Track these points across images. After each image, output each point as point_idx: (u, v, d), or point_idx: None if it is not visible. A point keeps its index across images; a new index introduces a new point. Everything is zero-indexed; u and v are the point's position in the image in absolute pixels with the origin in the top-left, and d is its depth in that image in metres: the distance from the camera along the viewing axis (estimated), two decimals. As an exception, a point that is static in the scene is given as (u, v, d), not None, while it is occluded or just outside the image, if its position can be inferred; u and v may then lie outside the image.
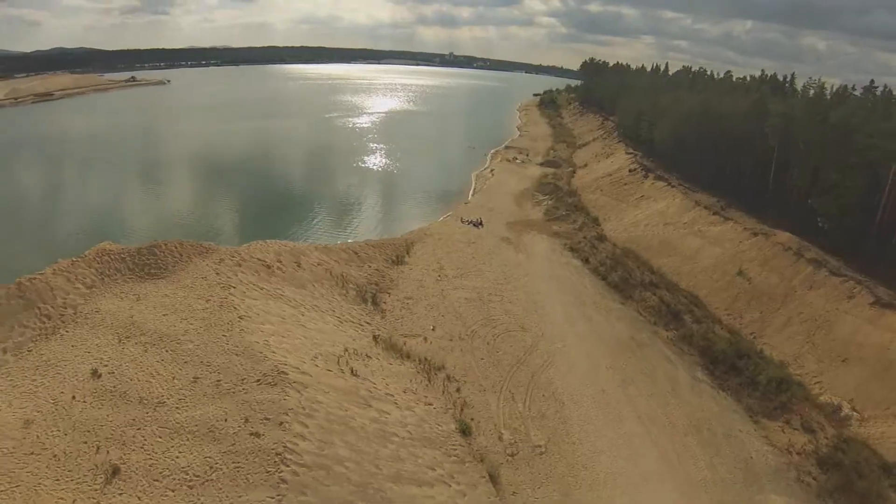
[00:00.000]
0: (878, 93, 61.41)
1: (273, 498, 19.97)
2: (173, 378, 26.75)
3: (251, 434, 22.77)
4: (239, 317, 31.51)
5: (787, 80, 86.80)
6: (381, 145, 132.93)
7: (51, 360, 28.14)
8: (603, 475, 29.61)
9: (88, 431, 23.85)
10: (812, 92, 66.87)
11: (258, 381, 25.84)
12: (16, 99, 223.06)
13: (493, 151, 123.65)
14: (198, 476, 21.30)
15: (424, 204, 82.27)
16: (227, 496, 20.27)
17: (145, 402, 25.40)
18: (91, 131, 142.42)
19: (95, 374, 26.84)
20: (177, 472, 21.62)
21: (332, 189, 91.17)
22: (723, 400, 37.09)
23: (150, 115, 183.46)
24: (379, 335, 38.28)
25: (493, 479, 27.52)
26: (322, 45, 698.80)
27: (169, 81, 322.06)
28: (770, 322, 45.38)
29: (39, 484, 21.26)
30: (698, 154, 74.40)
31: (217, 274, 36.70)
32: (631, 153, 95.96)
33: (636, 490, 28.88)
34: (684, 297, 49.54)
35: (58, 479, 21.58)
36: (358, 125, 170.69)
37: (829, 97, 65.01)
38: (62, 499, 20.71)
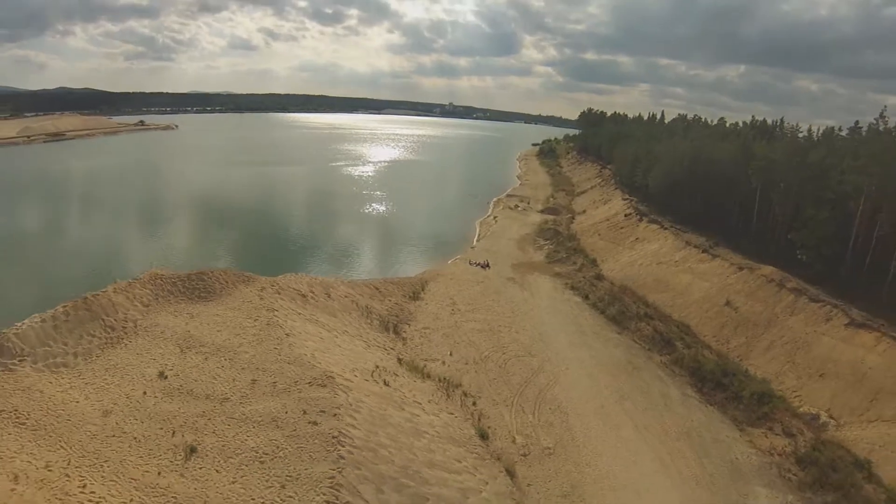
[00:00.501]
0: (864, 132, 67.13)
1: (334, 469, 24.23)
2: (234, 380, 31.20)
3: (309, 422, 27.17)
4: (286, 334, 36.16)
5: (777, 124, 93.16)
6: (389, 193, 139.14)
7: (118, 364, 32.47)
8: (605, 472, 33.76)
9: (163, 420, 28.06)
10: (790, 135, 72.87)
11: (309, 383, 30.33)
12: (28, 137, 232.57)
13: (495, 199, 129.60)
14: (266, 454, 25.57)
15: (434, 248, 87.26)
16: (294, 468, 24.53)
17: (211, 398, 29.77)
18: (113, 171, 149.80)
19: (162, 375, 31.22)
20: (247, 451, 25.88)
21: (346, 232, 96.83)
22: (710, 412, 41.41)
23: (164, 158, 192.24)
24: (402, 358, 42.77)
25: (510, 473, 31.68)
26: (323, 94, 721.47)
27: (177, 126, 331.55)
28: (754, 346, 49.89)
29: (125, 460, 25.23)
30: (688, 197, 79.85)
31: (260, 299, 41.50)
32: (627, 199, 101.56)
33: (635, 484, 32.97)
34: (676, 327, 54.16)
35: (141, 457, 25.63)
36: (364, 173, 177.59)
37: (815, 139, 71.06)
38: (147, 471, 24.72)
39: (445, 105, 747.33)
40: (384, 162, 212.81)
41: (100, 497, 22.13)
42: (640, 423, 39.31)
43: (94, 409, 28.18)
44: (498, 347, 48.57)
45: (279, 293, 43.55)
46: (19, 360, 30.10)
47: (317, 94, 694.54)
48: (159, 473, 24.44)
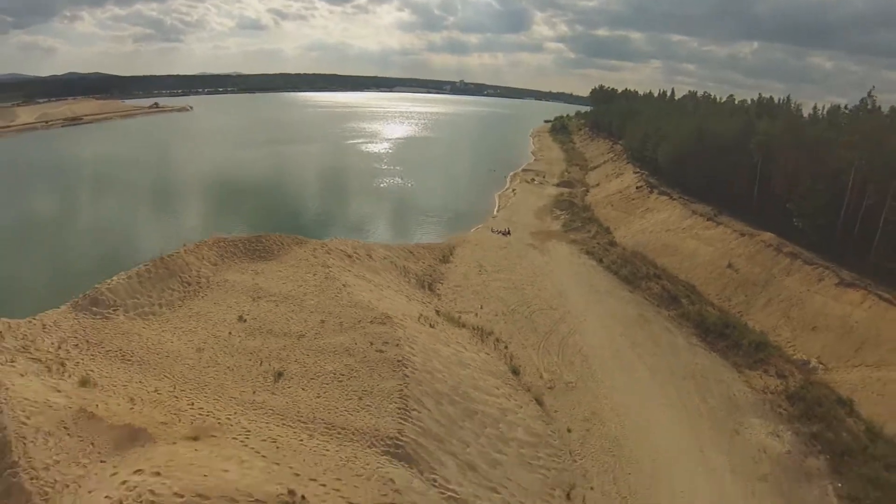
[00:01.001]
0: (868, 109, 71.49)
1: (401, 385, 29.93)
2: (305, 321, 36.94)
3: (376, 351, 32.88)
4: (343, 285, 41.91)
5: (783, 101, 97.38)
6: (410, 168, 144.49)
7: (200, 311, 38.22)
8: (620, 403, 39.43)
9: (249, 353, 33.79)
10: (789, 112, 77.56)
11: (371, 321, 36.04)
12: (47, 122, 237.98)
13: (511, 174, 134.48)
14: (343, 375, 31.30)
15: (457, 218, 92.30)
16: (367, 385, 30.24)
17: (288, 335, 35.52)
18: (143, 153, 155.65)
19: (241, 319, 36.95)
20: (326, 373, 31.61)
21: (372, 204, 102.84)
22: (713, 357, 46.98)
23: (187, 140, 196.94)
24: (439, 311, 48.38)
25: (539, 402, 37.36)
26: (334, 73, 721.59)
27: (192, 108, 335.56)
28: (753, 303, 55.25)
29: (222, 384, 30.93)
30: (695, 170, 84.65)
31: (314, 257, 47.29)
32: (638, 172, 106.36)
33: (646, 413, 38.57)
34: (682, 286, 59.62)
35: (236, 381, 31.34)
36: (383, 150, 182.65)
37: (819, 116, 75.72)
38: (244, 391, 30.41)
39: (456, 82, 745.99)
40: (401, 139, 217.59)
41: (207, 412, 27.79)
42: (651, 365, 44.95)
43: (187, 347, 33.95)
44: (523, 302, 54.14)
45: (328, 253, 49.26)
46: (113, 310, 35.88)
47: (327, 73, 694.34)
48: (254, 392, 30.18)
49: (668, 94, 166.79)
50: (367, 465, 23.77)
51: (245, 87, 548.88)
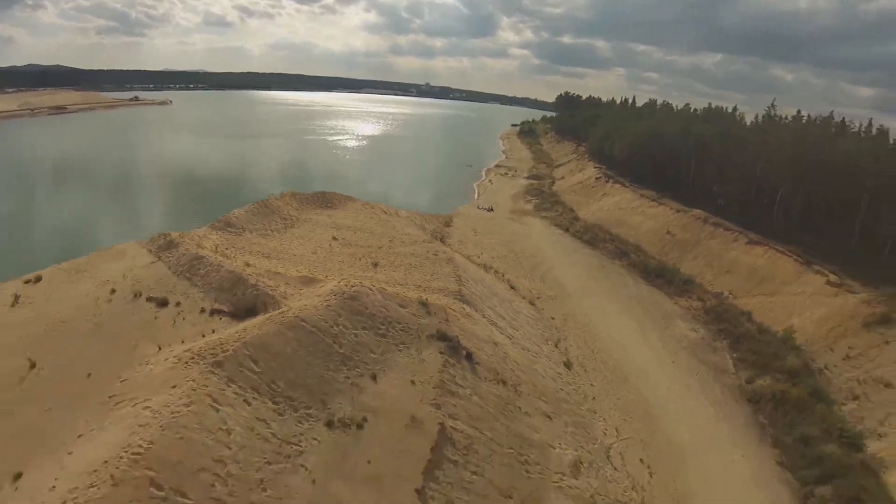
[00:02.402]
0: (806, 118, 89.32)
1: (454, 268, 46.43)
2: (378, 240, 53.02)
3: (433, 254, 49.28)
4: (393, 225, 58.26)
5: (729, 110, 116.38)
6: (396, 162, 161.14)
7: (301, 235, 53.75)
8: (588, 310, 56.35)
9: (350, 254, 49.36)
10: (720, 117, 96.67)
11: (423, 242, 52.53)
12: (32, 111, 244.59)
13: (486, 169, 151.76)
14: (416, 265, 47.38)
15: (444, 200, 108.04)
16: (434, 271, 46.43)
17: (370, 247, 51.52)
18: (145, 141, 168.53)
19: (334, 238, 52.73)
20: (406, 264, 47.55)
21: (366, 188, 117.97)
22: (652, 290, 64.56)
23: (179, 131, 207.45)
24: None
25: (532, 303, 54.13)
26: (300, 73, 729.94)
27: (171, 102, 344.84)
28: (685, 258, 73.02)
29: (340, 269, 46.23)
30: (645, 163, 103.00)
31: (364, 209, 63.47)
32: (598, 167, 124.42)
33: (606, 317, 55.50)
34: (631, 246, 77.33)
35: (350, 266, 46.53)
36: (362, 145, 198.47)
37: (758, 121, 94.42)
38: (355, 273, 45.37)
39: (422, 85, 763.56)
40: (378, 136, 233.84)
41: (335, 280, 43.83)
42: (607, 291, 62.38)
43: (305, 252, 49.66)
44: (510, 252, 71.11)
45: (373, 208, 65.52)
46: (241, 230, 51.43)
47: (291, 72, 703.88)
48: (364, 271, 46.18)
49: (630, 101, 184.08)
50: (446, 298, 40.31)
51: (216, 84, 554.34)
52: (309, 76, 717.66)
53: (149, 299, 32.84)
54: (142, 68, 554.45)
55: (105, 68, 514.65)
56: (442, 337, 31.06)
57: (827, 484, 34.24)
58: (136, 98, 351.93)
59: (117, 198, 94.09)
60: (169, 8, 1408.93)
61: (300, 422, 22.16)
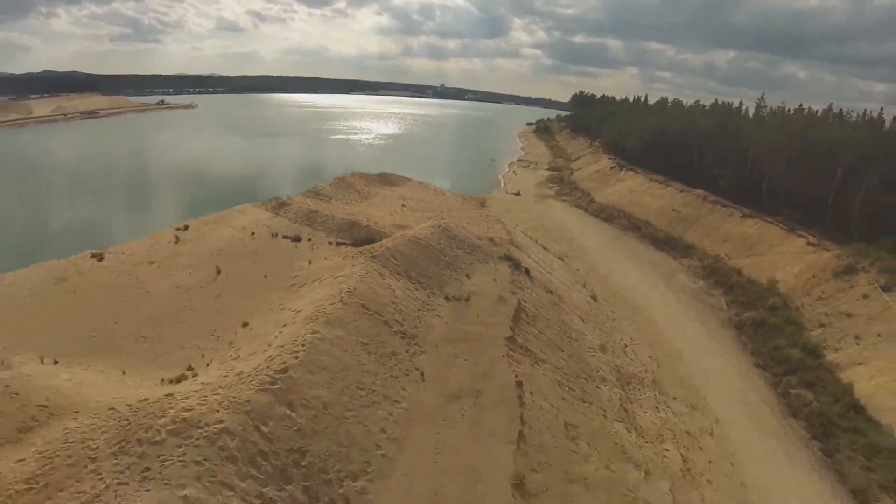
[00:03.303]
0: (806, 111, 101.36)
1: (504, 228, 58.88)
2: (437, 208, 65.76)
3: (485, 216, 62.04)
4: (445, 199, 70.88)
5: (739, 104, 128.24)
6: (424, 156, 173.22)
7: (375, 204, 66.37)
8: (607, 265, 68.86)
9: (419, 216, 61.61)
10: (719, 111, 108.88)
11: (474, 209, 65.07)
12: (66, 115, 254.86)
13: (509, 163, 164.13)
14: (472, 221, 60.02)
15: (475, 187, 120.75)
16: (485, 225, 58.91)
17: (437, 210, 64.23)
18: (194, 140, 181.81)
19: (403, 206, 65.55)
20: (465, 219, 60.39)
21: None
22: (661, 254, 77.12)
23: (217, 130, 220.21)
24: (491, 224, 77.60)
25: (562, 260, 66.52)
26: (311, 76, 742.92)
27: (197, 105, 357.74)
28: (688, 230, 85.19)
29: (418, 221, 59.16)
30: (655, 153, 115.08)
31: (420, 186, 76.06)
32: (612, 158, 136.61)
33: (623, 270, 68.04)
34: (642, 221, 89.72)
35: (424, 220, 59.56)
36: (390, 143, 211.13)
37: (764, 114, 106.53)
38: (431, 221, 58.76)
39: (437, 87, 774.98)
40: (403, 134, 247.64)
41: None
42: (623, 254, 74.98)
43: (383, 213, 62.26)
44: (540, 226, 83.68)
45: (424, 187, 78.21)
46: (329, 198, 64.18)
47: (304, 76, 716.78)
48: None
49: (643, 99, 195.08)
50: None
51: (233, 87, 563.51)
52: (324, 78, 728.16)
53: (284, 237, 45.57)
54: (155, 73, 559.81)
55: (118, 74, 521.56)
56: (507, 258, 43.70)
57: (792, 376, 46.33)
58: (163, 102, 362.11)
59: (181, 185, 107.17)
60: (182, 14, 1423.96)
61: (429, 296, 34.69)
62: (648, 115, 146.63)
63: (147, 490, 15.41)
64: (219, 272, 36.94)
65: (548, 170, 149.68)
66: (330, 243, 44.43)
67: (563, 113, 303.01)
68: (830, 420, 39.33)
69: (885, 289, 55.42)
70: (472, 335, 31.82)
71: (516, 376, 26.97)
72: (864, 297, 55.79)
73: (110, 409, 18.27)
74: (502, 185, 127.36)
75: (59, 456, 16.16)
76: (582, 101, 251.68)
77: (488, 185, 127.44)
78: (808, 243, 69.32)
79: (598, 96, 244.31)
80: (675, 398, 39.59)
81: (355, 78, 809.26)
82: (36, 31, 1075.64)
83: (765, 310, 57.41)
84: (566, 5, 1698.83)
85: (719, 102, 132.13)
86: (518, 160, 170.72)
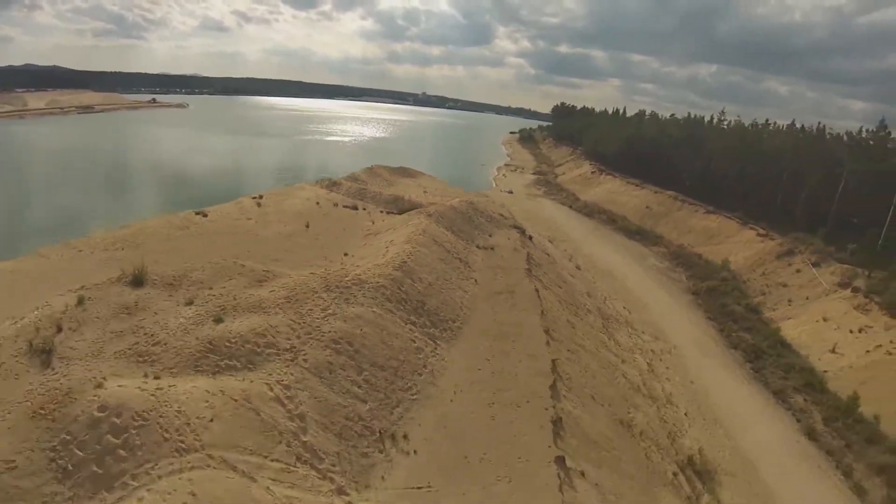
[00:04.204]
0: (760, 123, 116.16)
1: (507, 211, 71.71)
2: (453, 194, 78.25)
3: (491, 201, 74.64)
4: (457, 191, 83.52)
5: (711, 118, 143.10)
6: (417, 159, 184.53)
7: (402, 189, 78.73)
8: (589, 248, 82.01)
9: (441, 199, 74.86)
10: (686, 123, 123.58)
11: (482, 196, 77.78)
12: (62, 109, 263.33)
13: (497, 167, 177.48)
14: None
15: (472, 188, 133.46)
16: (493, 209, 71.84)
17: (457, 198, 76.89)
18: (197, 136, 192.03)
19: (425, 192, 77.86)
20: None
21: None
22: (633, 243, 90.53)
23: (212, 128, 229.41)
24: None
25: (551, 242, 79.55)
26: (293, 79, 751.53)
27: (188, 105, 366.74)
28: (658, 224, 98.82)
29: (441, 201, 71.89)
30: (631, 159, 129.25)
31: (432, 179, 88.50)
32: (593, 164, 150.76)
33: (604, 253, 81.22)
34: (618, 217, 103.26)
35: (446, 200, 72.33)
36: (380, 147, 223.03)
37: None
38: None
39: (419, 94, 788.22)
40: (391, 138, 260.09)
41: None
42: (602, 241, 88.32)
43: (419, 192, 74.45)
44: (531, 218, 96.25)
45: (436, 181, 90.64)
46: (365, 182, 76.37)
47: (286, 78, 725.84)
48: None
49: (621, 111, 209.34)
50: (505, 224, 65.56)
51: (219, 89, 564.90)
52: (308, 83, 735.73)
53: (344, 206, 57.74)
54: (137, 71, 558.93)
55: (105, 70, 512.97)
56: (516, 227, 56.48)
57: (735, 324, 59.63)
58: (154, 100, 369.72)
59: (214, 174, 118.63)
60: (166, 12, 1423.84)
61: (467, 244, 47.23)
62: (626, 126, 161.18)
63: (351, 305, 27.85)
64: (307, 225, 49.05)
65: (534, 174, 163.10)
66: (381, 211, 56.71)
67: (544, 124, 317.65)
68: (761, 350, 52.73)
69: (815, 265, 69.19)
70: (502, 265, 44.48)
71: (535, 286, 39.70)
72: (798, 271, 69.59)
73: (311, 272, 30.54)
74: (494, 185, 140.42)
75: (295, 289, 28.36)
76: (563, 112, 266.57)
77: (481, 185, 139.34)
78: (758, 234, 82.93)
79: (579, 108, 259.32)
80: (643, 332, 52.56)
81: (339, 82, 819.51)
82: (18, 24, 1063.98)
83: (717, 280, 71.06)
84: (551, 14, 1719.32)
85: (692, 116, 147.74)
86: (506, 165, 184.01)
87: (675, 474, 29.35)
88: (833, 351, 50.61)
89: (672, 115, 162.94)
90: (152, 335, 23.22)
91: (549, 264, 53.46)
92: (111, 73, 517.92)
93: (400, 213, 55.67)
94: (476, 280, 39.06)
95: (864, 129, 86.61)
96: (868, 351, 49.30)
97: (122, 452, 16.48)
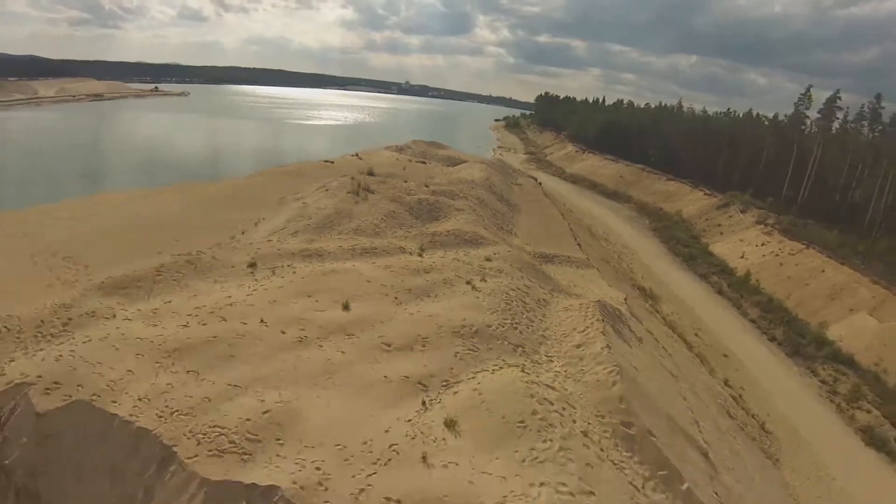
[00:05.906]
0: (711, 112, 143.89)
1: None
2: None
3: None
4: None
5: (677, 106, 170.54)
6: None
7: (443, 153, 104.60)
8: (575, 203, 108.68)
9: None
10: (655, 109, 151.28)
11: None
12: (74, 97, 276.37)
13: (492, 148, 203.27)
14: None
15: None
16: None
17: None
18: (215, 119, 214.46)
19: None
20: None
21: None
22: (609, 201, 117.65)
23: (226, 113, 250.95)
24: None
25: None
26: (272, 68, 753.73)
27: (189, 94, 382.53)
28: (631, 189, 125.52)
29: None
30: (608, 141, 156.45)
31: (456, 151, 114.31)
32: (575, 145, 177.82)
33: (585, 206, 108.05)
34: (598, 184, 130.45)
35: None
36: (377, 131, 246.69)
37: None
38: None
39: (402, 84, 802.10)
40: (384, 123, 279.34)
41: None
42: (588, 200, 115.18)
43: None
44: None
45: (460, 153, 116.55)
46: (402, 150, 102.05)
47: (265, 66, 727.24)
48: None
49: (600, 100, 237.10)
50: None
51: (209, 78, 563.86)
52: (290, 72, 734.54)
53: (418, 161, 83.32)
54: (113, 60, 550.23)
55: (84, 59, 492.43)
56: (531, 176, 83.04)
57: (680, 246, 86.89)
58: (157, 89, 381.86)
59: (250, 146, 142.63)
60: (143, 0, 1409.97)
61: (506, 180, 73.39)
62: (605, 113, 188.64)
63: (472, 188, 54.35)
64: (404, 168, 74.60)
65: (525, 154, 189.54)
66: (441, 165, 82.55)
67: (526, 112, 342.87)
68: (694, 256, 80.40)
69: (742, 212, 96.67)
70: (529, 198, 71.07)
71: (552, 203, 66.26)
72: (730, 217, 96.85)
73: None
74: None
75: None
76: (547, 101, 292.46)
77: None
78: (705, 194, 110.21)
79: (562, 97, 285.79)
80: (616, 243, 79.94)
81: (318, 71, 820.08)
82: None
83: (670, 222, 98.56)
84: (531, 3, 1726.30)
85: (662, 104, 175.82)
86: (499, 147, 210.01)
87: (635, 287, 56.23)
88: (742, 257, 77.98)
89: (647, 104, 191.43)
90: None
91: (556, 197, 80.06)
92: (92, 62, 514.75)
93: (453, 167, 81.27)
94: (521, 209, 65.31)
95: (783, 115, 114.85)
96: (764, 256, 76.90)
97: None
